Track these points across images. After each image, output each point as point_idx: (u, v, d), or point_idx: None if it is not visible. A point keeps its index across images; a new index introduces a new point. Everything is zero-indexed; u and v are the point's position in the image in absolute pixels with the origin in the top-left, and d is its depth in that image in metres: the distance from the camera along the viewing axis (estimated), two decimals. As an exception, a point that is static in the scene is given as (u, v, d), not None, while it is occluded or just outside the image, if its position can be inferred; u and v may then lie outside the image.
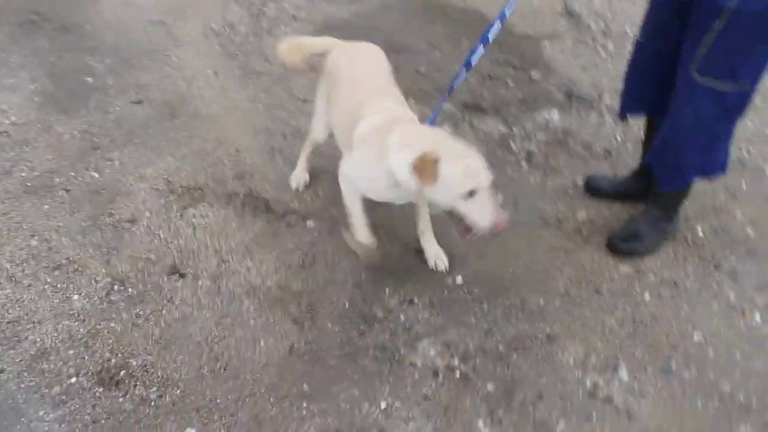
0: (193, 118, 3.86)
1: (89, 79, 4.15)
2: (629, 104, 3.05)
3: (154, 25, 4.75)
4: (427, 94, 4.18)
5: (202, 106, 3.94)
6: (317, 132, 3.18)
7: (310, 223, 3.16)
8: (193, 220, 3.17)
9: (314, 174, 3.41)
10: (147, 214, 3.20)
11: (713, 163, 2.76)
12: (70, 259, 2.93)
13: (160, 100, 3.99)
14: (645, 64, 2.86)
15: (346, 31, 4.74)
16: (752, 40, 2.43)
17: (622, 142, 3.82)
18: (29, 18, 4.77)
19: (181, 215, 3.20)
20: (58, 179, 3.39)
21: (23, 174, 3.40)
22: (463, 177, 2.20)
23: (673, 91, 2.68)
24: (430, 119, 2.82)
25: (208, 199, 3.29)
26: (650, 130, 3.08)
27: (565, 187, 3.48)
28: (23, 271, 2.85)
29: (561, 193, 3.44)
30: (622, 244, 3.06)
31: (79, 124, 3.76)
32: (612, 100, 4.16)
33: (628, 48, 4.25)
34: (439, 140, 2.33)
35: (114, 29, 4.67)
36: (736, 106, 2.62)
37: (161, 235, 3.07)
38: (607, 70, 4.51)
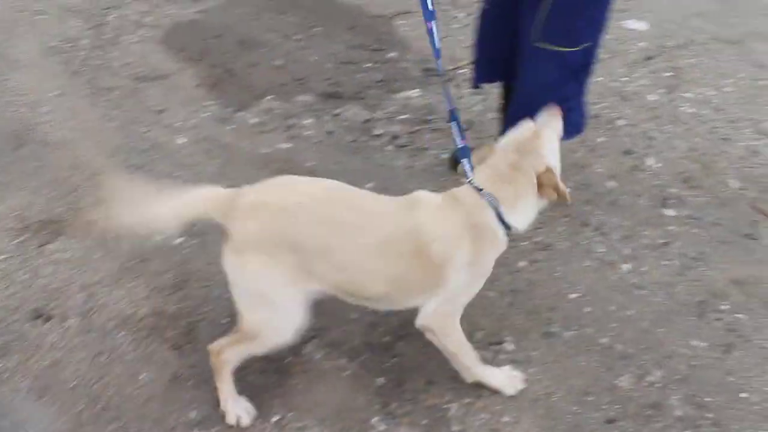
0: (43, 146, 3.64)
1: None
2: (482, 73, 3.09)
3: (-18, 49, 4.43)
4: (287, 87, 4.12)
5: (51, 132, 3.73)
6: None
7: (178, 240, 3.05)
8: (54, 256, 3.00)
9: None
10: (3, 256, 3.00)
11: (567, 125, 2.73)
12: None
13: (2, 131, 3.73)
14: (491, 30, 2.89)
15: (196, 32, 4.59)
16: (587, 2, 2.54)
17: (483, 112, 3.88)
18: None
19: (39, 253, 3.01)
20: None
21: None
22: None
23: (519, 56, 2.71)
24: (449, 108, 2.54)
25: (67, 232, 3.12)
26: (506, 96, 3.11)
27: (432, 165, 3.51)
28: None
29: (429, 172, 3.47)
30: None
31: None
32: (468, 69, 4.22)
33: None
34: None
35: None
36: (580, 66, 2.72)
37: (19, 278, 2.89)
38: (459, 41, 4.56)
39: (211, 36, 4.62)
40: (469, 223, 2.11)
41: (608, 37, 4.49)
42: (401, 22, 4.83)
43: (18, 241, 3.07)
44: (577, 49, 2.61)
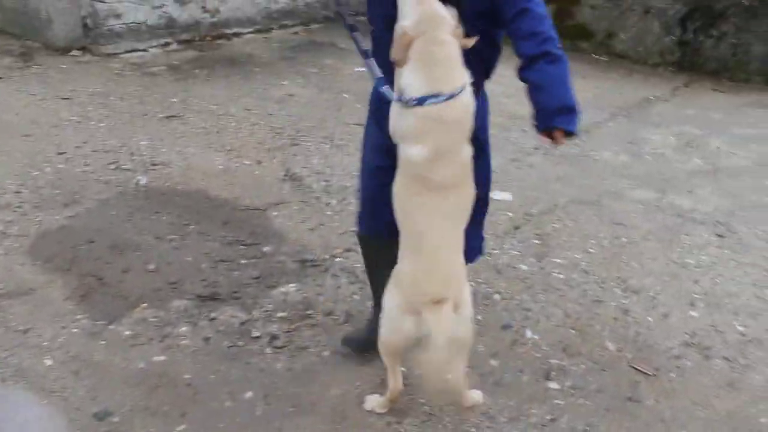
0: None
1: None
2: (369, 225, 3.23)
3: None
4: (161, 292, 4.01)
5: None
6: None
7: None
8: None
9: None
10: None
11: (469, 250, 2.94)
12: None
13: None
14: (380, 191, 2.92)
15: (66, 239, 4.47)
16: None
17: (361, 300, 3.87)
18: None
19: None
20: None
21: None
22: None
23: None
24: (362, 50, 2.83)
25: None
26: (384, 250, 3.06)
27: (313, 364, 3.43)
28: None
29: (310, 371, 3.38)
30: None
31: None
32: (343, 257, 4.27)
33: (351, 201, 4.47)
34: None
35: None
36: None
37: None
38: (334, 227, 4.65)
39: (81, 242, 4.50)
40: None
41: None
42: (275, 213, 4.89)
43: None
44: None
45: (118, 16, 8.11)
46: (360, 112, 6.32)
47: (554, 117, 2.54)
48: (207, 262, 4.31)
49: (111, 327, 3.69)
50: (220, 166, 5.55)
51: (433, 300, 2.57)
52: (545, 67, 2.52)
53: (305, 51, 8.83)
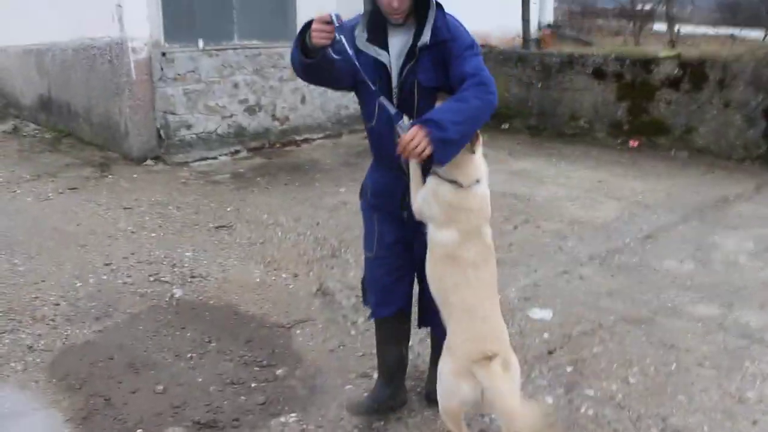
0: None
1: None
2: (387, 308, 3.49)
3: None
4: (161, 416, 3.85)
5: None
6: None
7: None
8: None
9: None
10: None
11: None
12: None
13: None
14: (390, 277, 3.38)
15: (87, 356, 4.43)
16: None
17: (361, 435, 3.58)
18: None
19: None
20: None
21: None
22: None
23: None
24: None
25: None
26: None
27: None
28: None
29: None
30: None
31: None
32: (355, 384, 4.01)
33: None
34: None
35: None
36: None
37: None
38: (354, 348, 4.40)
39: (101, 359, 4.45)
40: None
41: (512, 330, 4.37)
42: (299, 331, 4.70)
43: None
44: None
45: (189, 126, 8.44)
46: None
47: (427, 121, 2.71)
48: (217, 384, 4.14)
49: (98, 458, 3.53)
50: (257, 279, 5.46)
51: (485, 357, 2.79)
52: (464, 94, 2.78)
53: (369, 156, 8.82)
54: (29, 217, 6.98)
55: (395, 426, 3.66)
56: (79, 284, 5.47)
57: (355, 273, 5.50)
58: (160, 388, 4.13)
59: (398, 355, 3.60)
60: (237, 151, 8.94)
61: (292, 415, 3.81)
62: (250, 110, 9.02)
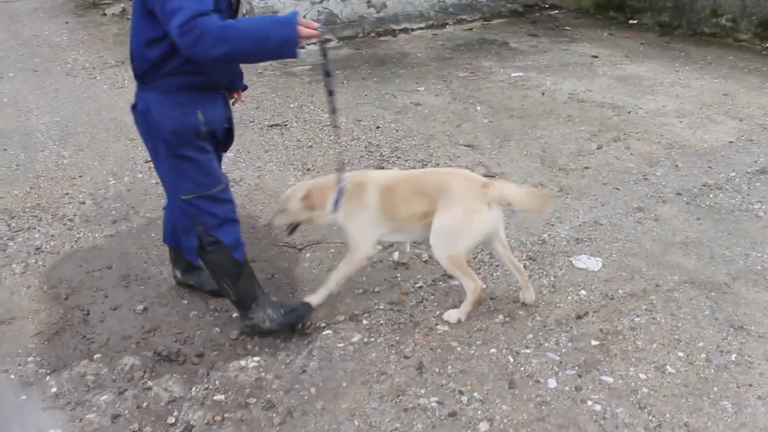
0: None
1: None
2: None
3: None
4: (127, 341, 3.58)
5: None
6: None
7: None
8: None
9: None
10: None
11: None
12: None
13: None
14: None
15: (87, 262, 4.22)
16: None
17: (313, 398, 3.08)
18: None
19: None
20: None
21: None
22: None
23: None
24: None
25: None
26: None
27: None
28: None
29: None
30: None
31: None
32: (334, 329, 3.49)
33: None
34: None
35: None
36: None
37: None
38: (357, 283, 3.85)
39: (99, 267, 4.22)
40: None
41: (541, 282, 3.65)
42: (308, 254, 4.22)
43: None
44: None
45: (275, 12, 7.86)
46: (483, 129, 5.41)
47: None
48: (199, 310, 3.79)
49: (47, 379, 3.31)
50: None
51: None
52: None
53: (467, 50, 7.93)
54: (96, 105, 6.84)
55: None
56: (112, 182, 5.25)
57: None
58: (141, 308, 3.85)
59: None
60: (327, 40, 8.28)
61: (256, 358, 3.38)
62: (343, -4, 8.28)
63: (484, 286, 3.57)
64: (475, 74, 7.25)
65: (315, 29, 2.76)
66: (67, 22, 10.37)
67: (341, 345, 3.41)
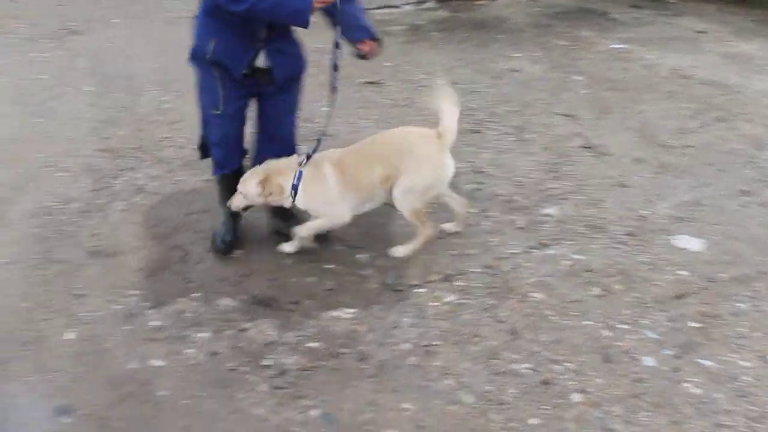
0: (-52, 323, 3.46)
1: None
2: (227, 163, 3.75)
3: (-8, 203, 4.47)
4: (224, 283, 3.67)
5: (-33, 307, 3.55)
6: None
7: None
8: None
9: None
10: None
11: None
12: None
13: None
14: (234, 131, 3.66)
15: (188, 203, 4.34)
16: None
17: (403, 353, 3.11)
18: None
19: None
20: None
21: None
22: None
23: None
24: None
25: None
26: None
27: (291, 424, 2.82)
28: None
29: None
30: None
31: None
32: (429, 288, 3.51)
33: (490, 214, 4.15)
34: None
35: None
36: None
37: None
38: (451, 244, 3.86)
39: (198, 210, 4.34)
40: None
41: (640, 258, 3.57)
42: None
43: None
44: None
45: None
46: (582, 100, 5.29)
47: (370, 31, 3.34)
48: (294, 257, 3.84)
49: (148, 312, 3.46)
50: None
51: None
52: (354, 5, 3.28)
53: (566, 18, 7.72)
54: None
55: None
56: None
57: (490, 155, 4.85)
58: (239, 252, 3.89)
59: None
60: (423, 1, 8.21)
61: (350, 310, 3.43)
62: (438, -44, 8.16)
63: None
64: (574, 43, 7.06)
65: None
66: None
67: (435, 304, 3.41)
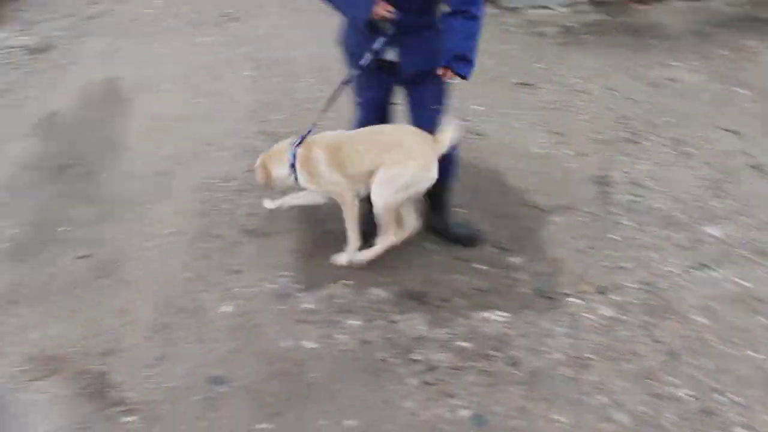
0: (118, 282, 3.72)
1: (61, 229, 4.19)
2: None
3: (158, 176, 4.74)
4: (373, 273, 3.71)
5: (134, 270, 3.80)
6: None
7: (131, 418, 2.81)
8: (30, 395, 3.02)
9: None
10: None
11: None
12: None
13: (105, 258, 3.91)
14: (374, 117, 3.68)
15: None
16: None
17: (555, 362, 3.06)
18: (65, 163, 4.98)
19: (26, 387, 3.06)
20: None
21: None
22: None
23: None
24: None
25: (60, 374, 3.13)
26: None
27: (439, 420, 2.83)
28: None
29: (431, 427, 2.79)
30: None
31: (16, 275, 3.79)
32: (584, 299, 3.44)
33: (646, 230, 3.93)
34: None
35: (124, 179, 4.72)
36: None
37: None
38: (604, 256, 3.76)
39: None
40: None
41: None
42: (557, 218, 4.15)
43: (19, 368, 3.17)
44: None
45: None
46: (750, 115, 5.02)
47: (453, 59, 3.13)
48: (445, 254, 3.85)
49: (300, 295, 3.56)
50: (537, 150, 4.92)
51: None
52: (462, 21, 3.11)
53: (730, 27, 7.30)
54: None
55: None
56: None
57: (647, 167, 4.68)
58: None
59: None
60: (578, 3, 8.01)
61: (501, 313, 3.39)
62: (608, -45, 7.90)
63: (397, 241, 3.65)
64: (738, 54, 6.67)
65: (389, 12, 3.14)
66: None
67: (589, 316, 3.32)
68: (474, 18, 3.12)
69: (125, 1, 8.65)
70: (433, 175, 3.46)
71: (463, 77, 3.19)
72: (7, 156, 5.03)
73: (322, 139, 3.61)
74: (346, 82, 3.53)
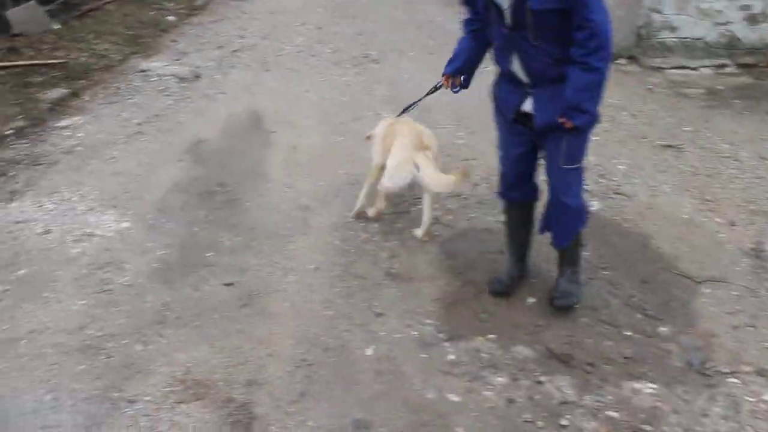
0: (261, 313, 3.82)
1: (209, 254, 4.35)
2: (513, 194, 3.87)
3: (299, 210, 4.87)
4: (518, 331, 3.65)
5: (276, 302, 3.90)
6: None
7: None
8: (177, 417, 3.10)
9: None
10: (147, 398, 3.22)
11: (585, 212, 3.71)
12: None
13: (248, 287, 4.03)
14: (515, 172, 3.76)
15: (480, 242, 4.42)
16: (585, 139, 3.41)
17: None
18: (211, 189, 5.20)
19: (172, 408, 3.15)
20: (109, 344, 3.57)
21: (89, 330, 3.68)
22: None
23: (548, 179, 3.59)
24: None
25: (206, 399, 3.19)
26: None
27: None
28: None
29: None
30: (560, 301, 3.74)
31: (166, 296, 3.96)
32: (742, 379, 3.25)
33: None
34: None
35: (265, 209, 4.88)
36: (581, 175, 3.53)
37: (142, 424, 3.04)
38: (763, 334, 3.54)
39: (493, 250, 4.38)
40: None
41: None
42: (708, 290, 3.97)
43: (169, 389, 3.26)
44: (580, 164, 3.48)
45: (673, 29, 7.56)
46: None
47: (566, 109, 3.20)
48: (591, 316, 3.75)
49: (444, 344, 3.54)
50: (685, 216, 4.74)
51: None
52: (579, 72, 3.11)
53: None
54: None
55: None
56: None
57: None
58: (531, 300, 3.93)
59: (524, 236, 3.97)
60: (723, 65, 7.75)
61: (651, 385, 3.24)
62: (752, 19, 7.62)
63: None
64: None
65: (444, 82, 3.96)
66: (458, 12, 10.92)
67: (751, 399, 3.13)
68: (592, 70, 3.07)
69: (270, 37, 9.04)
70: (403, 175, 4.22)
71: (579, 128, 3.23)
72: (159, 179, 5.29)
73: (391, 120, 4.69)
74: (434, 89, 4.12)
